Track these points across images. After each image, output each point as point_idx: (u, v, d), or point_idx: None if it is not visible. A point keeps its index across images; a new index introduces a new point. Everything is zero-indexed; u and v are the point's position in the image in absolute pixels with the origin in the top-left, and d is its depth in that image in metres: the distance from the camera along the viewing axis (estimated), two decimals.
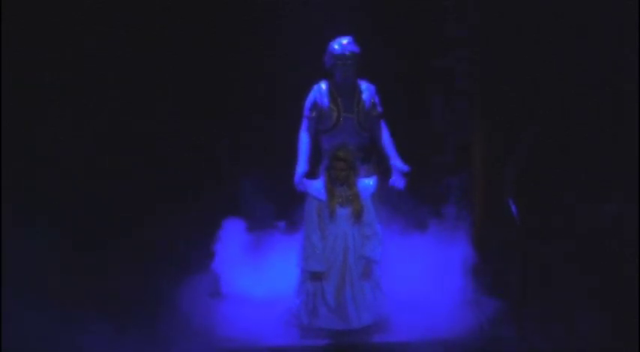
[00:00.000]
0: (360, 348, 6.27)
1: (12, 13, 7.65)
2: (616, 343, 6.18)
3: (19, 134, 7.70)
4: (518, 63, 7.69)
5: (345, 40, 6.90)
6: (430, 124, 8.22)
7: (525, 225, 7.21)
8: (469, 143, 7.99)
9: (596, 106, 7.41)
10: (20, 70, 7.71)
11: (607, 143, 7.36)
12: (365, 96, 7.00)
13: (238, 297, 6.98)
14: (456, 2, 8.09)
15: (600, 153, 7.36)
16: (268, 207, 7.27)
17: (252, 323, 6.57)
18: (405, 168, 6.89)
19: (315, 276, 6.32)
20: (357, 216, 6.35)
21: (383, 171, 7.01)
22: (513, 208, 7.14)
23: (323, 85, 6.99)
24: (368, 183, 6.51)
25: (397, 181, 6.92)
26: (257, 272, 7.03)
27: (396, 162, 6.94)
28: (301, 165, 6.80)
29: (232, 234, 7.16)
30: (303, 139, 6.92)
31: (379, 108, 7.07)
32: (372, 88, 7.06)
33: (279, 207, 7.27)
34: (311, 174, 6.74)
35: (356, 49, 6.90)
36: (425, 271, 6.87)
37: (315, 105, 6.95)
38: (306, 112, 6.98)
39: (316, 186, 6.43)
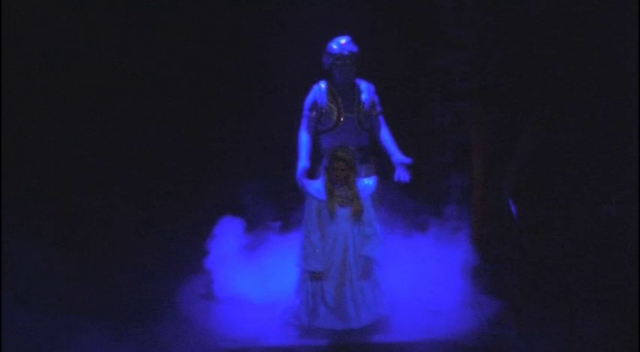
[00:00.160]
0: (359, 348, 6.26)
1: (11, 12, 7.66)
2: (616, 343, 6.16)
3: (17, 138, 7.72)
4: (517, 63, 7.69)
5: (343, 40, 6.90)
6: (430, 124, 8.22)
7: (525, 225, 7.21)
8: (469, 143, 7.99)
9: (596, 106, 7.41)
10: (18, 72, 7.72)
11: (607, 143, 7.36)
12: (364, 95, 7.00)
13: (238, 298, 6.97)
14: (455, 2, 8.09)
15: (600, 153, 7.36)
16: (267, 208, 7.26)
17: (252, 324, 6.58)
18: (408, 160, 6.87)
19: (315, 276, 6.31)
20: (357, 215, 6.35)
21: (382, 171, 7.00)
22: (513, 208, 7.14)
23: (322, 85, 6.98)
24: (367, 182, 6.51)
25: (402, 175, 6.90)
26: (256, 273, 7.02)
27: (398, 156, 6.92)
28: (302, 161, 6.79)
29: (232, 235, 7.15)
30: (303, 138, 6.91)
31: (379, 108, 7.07)
32: (372, 87, 7.06)
33: (279, 207, 7.26)
34: (311, 174, 6.73)
35: (354, 48, 6.89)
36: (425, 271, 6.86)
37: (314, 105, 6.95)
38: (305, 112, 6.97)
39: (316, 186, 6.43)
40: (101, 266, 7.42)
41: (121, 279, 7.18)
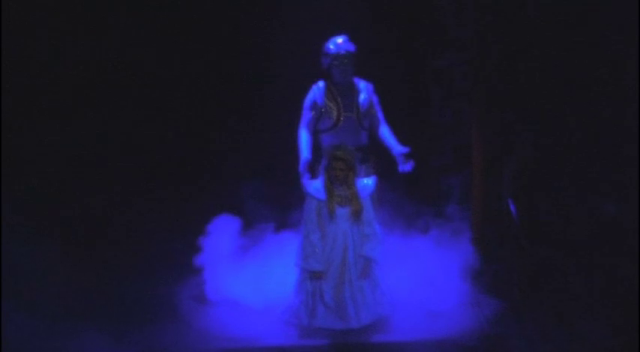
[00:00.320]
0: (359, 348, 6.26)
1: (11, 12, 7.66)
2: (616, 343, 6.16)
3: (16, 139, 7.72)
4: (517, 63, 7.69)
5: (339, 39, 6.90)
6: (429, 125, 8.22)
7: (525, 224, 7.21)
8: (468, 143, 7.99)
9: (595, 106, 7.40)
10: (17, 74, 7.73)
11: (607, 143, 7.36)
12: (364, 94, 7.00)
13: (236, 301, 6.95)
14: (456, 2, 8.09)
15: (600, 153, 7.35)
16: (267, 208, 7.26)
17: (251, 324, 6.57)
18: (405, 149, 6.85)
19: (315, 276, 6.31)
20: (357, 215, 6.34)
21: (382, 170, 7.00)
22: (513, 208, 7.14)
23: (321, 85, 6.99)
24: (367, 182, 6.52)
25: (404, 166, 6.87)
26: (255, 274, 7.00)
27: (397, 148, 6.90)
28: (304, 153, 6.78)
29: (229, 236, 7.14)
30: (303, 135, 6.91)
31: (378, 107, 7.06)
32: (370, 86, 7.06)
33: (278, 208, 7.25)
34: (311, 173, 6.73)
35: (351, 47, 6.89)
36: (425, 271, 6.86)
37: (314, 105, 6.95)
38: (304, 111, 6.97)
39: (315, 186, 6.43)
40: (100, 267, 7.42)
41: (120, 281, 7.17)
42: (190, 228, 7.15)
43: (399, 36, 8.18)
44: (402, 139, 7.01)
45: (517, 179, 7.64)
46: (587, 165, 7.41)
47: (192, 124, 8.22)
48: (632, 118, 7.23)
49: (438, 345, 6.20)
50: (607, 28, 7.35)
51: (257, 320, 6.62)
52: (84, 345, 6.10)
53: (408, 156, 6.84)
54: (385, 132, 7.03)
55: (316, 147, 6.90)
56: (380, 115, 7.07)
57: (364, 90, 7.01)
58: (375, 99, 7.06)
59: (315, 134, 6.98)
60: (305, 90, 7.01)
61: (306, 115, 6.97)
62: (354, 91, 6.99)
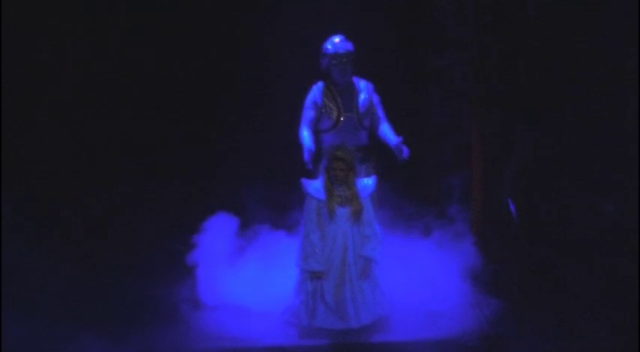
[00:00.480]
0: (359, 348, 6.26)
1: (11, 12, 7.66)
2: (616, 343, 6.16)
3: (15, 141, 7.72)
4: (517, 63, 7.69)
5: (337, 39, 6.90)
6: (429, 124, 8.22)
7: (525, 224, 7.21)
8: (468, 143, 7.99)
9: (595, 106, 7.41)
10: (17, 74, 7.72)
11: (607, 143, 7.36)
12: (363, 94, 6.99)
13: (236, 300, 6.94)
14: (456, 2, 8.09)
15: (600, 152, 7.36)
16: (266, 209, 7.26)
17: (251, 324, 6.57)
18: (399, 138, 6.83)
19: (315, 276, 6.31)
20: (357, 215, 6.34)
21: (382, 171, 7.00)
22: (513, 208, 7.14)
23: (321, 85, 6.98)
24: (367, 182, 6.51)
25: (400, 155, 6.86)
26: (254, 274, 7.00)
27: (392, 139, 6.89)
28: (306, 143, 6.77)
29: (228, 236, 7.13)
30: (304, 132, 6.90)
31: (379, 106, 7.06)
32: (370, 85, 7.06)
33: (277, 208, 7.25)
34: (311, 173, 6.73)
35: (349, 46, 6.89)
36: (424, 271, 6.85)
37: (314, 105, 6.95)
38: (304, 111, 6.97)
39: (315, 186, 6.43)
40: (100, 268, 7.41)
41: (120, 281, 7.17)
42: (190, 228, 7.14)
43: (399, 36, 8.18)
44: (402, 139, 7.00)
45: (517, 179, 7.64)
46: (587, 165, 7.41)
47: (192, 124, 8.21)
48: (632, 118, 7.24)
49: (438, 345, 6.20)
50: (607, 28, 7.35)
51: (257, 321, 6.61)
52: (83, 346, 6.09)
53: (402, 145, 6.82)
54: (385, 129, 7.02)
55: (316, 147, 6.89)
56: (381, 114, 7.06)
57: (364, 90, 7.01)
58: (375, 98, 7.06)
59: (315, 134, 6.98)
60: (305, 90, 7.01)
61: (307, 115, 6.97)
62: (353, 91, 6.99)
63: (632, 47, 7.22)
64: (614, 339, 6.18)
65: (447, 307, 6.73)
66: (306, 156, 6.70)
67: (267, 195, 7.33)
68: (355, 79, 7.01)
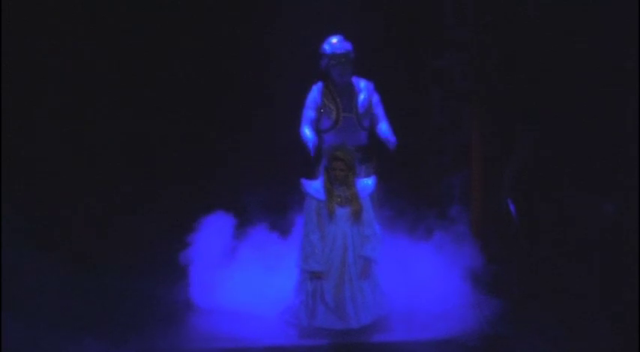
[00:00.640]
0: (359, 348, 6.26)
1: (11, 12, 7.67)
2: (616, 343, 6.16)
3: (15, 141, 7.72)
4: (517, 63, 7.69)
5: (334, 39, 6.91)
6: (429, 124, 8.22)
7: (525, 224, 7.21)
8: (468, 143, 7.99)
9: (595, 106, 7.40)
10: (17, 74, 7.72)
11: (607, 143, 7.35)
12: (363, 94, 6.99)
13: (235, 298, 6.94)
14: (456, 2, 8.09)
15: (600, 152, 7.35)
16: (266, 208, 7.26)
17: (251, 324, 6.57)
18: (393, 138, 6.85)
19: (315, 276, 6.31)
20: (356, 215, 6.34)
21: (382, 171, 7.00)
22: (512, 208, 7.14)
23: (321, 86, 6.98)
24: (367, 182, 6.51)
25: (387, 142, 6.87)
26: (253, 275, 7.00)
27: (384, 134, 6.92)
28: (310, 137, 6.78)
29: (227, 238, 7.13)
30: (306, 130, 6.90)
31: (379, 105, 7.05)
32: (371, 85, 7.05)
33: (277, 208, 7.25)
34: (311, 174, 6.73)
35: (348, 46, 6.90)
36: (424, 271, 6.85)
37: (314, 105, 6.95)
38: (305, 111, 6.97)
39: (315, 186, 6.43)
40: (100, 269, 7.41)
41: (119, 282, 7.17)
42: (190, 228, 7.14)
43: (399, 36, 8.17)
44: (402, 139, 7.01)
45: (517, 179, 7.64)
46: (587, 165, 7.41)
47: (192, 124, 8.21)
48: (632, 118, 7.23)
49: (438, 345, 6.20)
50: (607, 28, 7.35)
51: (257, 321, 6.61)
52: (83, 347, 6.09)
53: (391, 136, 6.84)
54: (382, 127, 7.02)
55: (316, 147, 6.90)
56: (380, 112, 7.05)
57: (364, 90, 7.01)
58: (375, 97, 7.05)
59: (315, 134, 6.98)
60: (305, 90, 7.01)
61: (307, 115, 6.97)
62: (353, 91, 6.99)
63: (632, 47, 7.21)
64: (614, 339, 6.18)
65: (447, 307, 6.74)
66: (311, 148, 6.70)
67: (267, 195, 7.32)
68: (355, 79, 7.01)
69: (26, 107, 7.83)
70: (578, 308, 6.57)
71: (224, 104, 8.22)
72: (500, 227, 7.49)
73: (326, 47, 6.90)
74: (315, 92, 6.99)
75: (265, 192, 7.35)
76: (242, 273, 6.97)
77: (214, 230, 7.08)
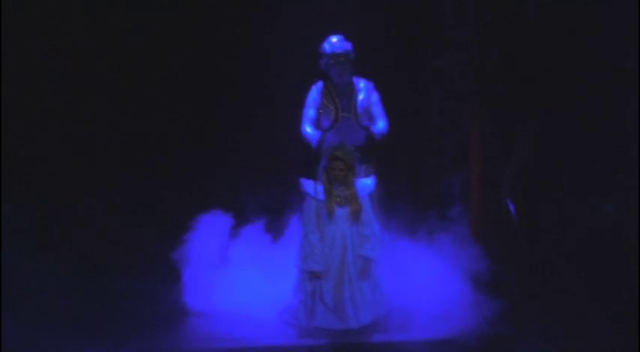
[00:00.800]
0: (358, 348, 6.26)
1: (11, 12, 7.67)
2: (616, 343, 6.16)
3: (15, 141, 7.72)
4: (517, 63, 7.69)
5: (334, 39, 6.92)
6: (429, 124, 8.22)
7: (524, 224, 7.20)
8: (468, 143, 7.99)
9: (595, 106, 7.39)
10: (17, 74, 7.73)
11: (607, 143, 7.35)
12: (362, 94, 7.00)
13: (235, 298, 6.94)
14: (456, 2, 8.09)
15: (600, 152, 7.35)
16: (266, 208, 7.26)
17: (251, 324, 6.57)
18: (379, 130, 6.89)
19: (314, 276, 6.31)
20: (356, 215, 6.34)
21: (382, 171, 7.00)
22: (512, 208, 7.13)
23: (321, 86, 6.99)
24: (366, 182, 6.51)
25: (372, 131, 6.90)
26: (253, 273, 7.00)
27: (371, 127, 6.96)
28: (312, 133, 6.79)
29: (226, 239, 7.13)
30: (307, 128, 6.91)
31: (378, 104, 7.05)
32: (370, 84, 7.06)
33: (277, 208, 7.25)
34: (310, 174, 6.73)
35: (347, 45, 6.91)
36: (424, 271, 6.85)
37: (313, 105, 6.95)
38: (305, 111, 6.98)
39: (314, 186, 6.42)
40: (100, 270, 7.41)
41: (119, 283, 7.17)
42: (190, 228, 7.14)
43: (399, 36, 8.18)
44: (402, 139, 7.01)
45: (517, 179, 7.64)
46: (587, 165, 7.40)
47: (192, 124, 8.21)
48: (632, 118, 7.23)
49: (438, 345, 6.20)
50: (607, 28, 7.34)
51: (256, 321, 6.61)
52: (83, 347, 6.09)
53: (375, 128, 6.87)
54: (379, 125, 7.01)
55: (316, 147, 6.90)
56: (378, 111, 7.04)
57: (363, 90, 7.01)
58: (374, 96, 7.06)
59: None
60: (305, 90, 7.02)
61: (307, 114, 6.98)
62: (352, 91, 6.99)
63: (632, 47, 7.21)
64: (614, 339, 6.18)
65: (447, 307, 6.73)
66: (315, 143, 6.71)
67: (267, 195, 7.32)
68: (355, 79, 7.02)
69: (26, 107, 7.82)
70: (578, 308, 6.56)
71: (224, 104, 8.22)
72: (500, 227, 7.49)
73: (326, 46, 6.91)
74: (314, 92, 7.00)
75: (265, 192, 7.36)
76: (242, 273, 6.96)
77: (213, 230, 7.07)
